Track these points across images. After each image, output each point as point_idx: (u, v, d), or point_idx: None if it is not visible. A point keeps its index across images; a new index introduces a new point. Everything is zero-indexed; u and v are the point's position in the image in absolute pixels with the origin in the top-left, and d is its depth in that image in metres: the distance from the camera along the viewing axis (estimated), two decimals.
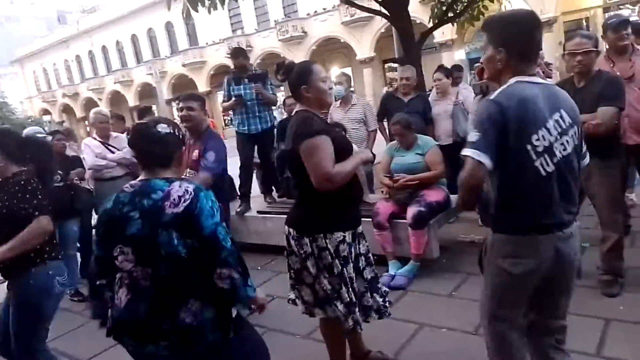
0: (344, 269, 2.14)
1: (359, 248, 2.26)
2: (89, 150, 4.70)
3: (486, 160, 1.55)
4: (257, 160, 5.86)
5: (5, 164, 2.26)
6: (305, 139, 2.03)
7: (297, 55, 22.36)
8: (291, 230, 2.21)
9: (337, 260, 2.13)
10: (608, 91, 2.78)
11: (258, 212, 4.76)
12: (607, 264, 3.02)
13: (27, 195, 2.18)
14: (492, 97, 1.64)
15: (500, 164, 1.59)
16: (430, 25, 7.25)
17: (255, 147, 5.28)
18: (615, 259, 3.01)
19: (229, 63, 8.88)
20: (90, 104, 32.65)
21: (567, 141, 1.65)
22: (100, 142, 4.77)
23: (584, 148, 1.82)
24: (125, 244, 1.61)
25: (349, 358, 2.51)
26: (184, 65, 28.97)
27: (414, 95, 4.73)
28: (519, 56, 1.66)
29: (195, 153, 3.13)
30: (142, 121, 1.76)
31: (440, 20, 7.11)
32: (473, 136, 1.58)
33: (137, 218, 1.58)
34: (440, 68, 4.80)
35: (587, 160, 1.86)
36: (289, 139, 2.13)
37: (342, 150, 2.12)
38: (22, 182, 2.21)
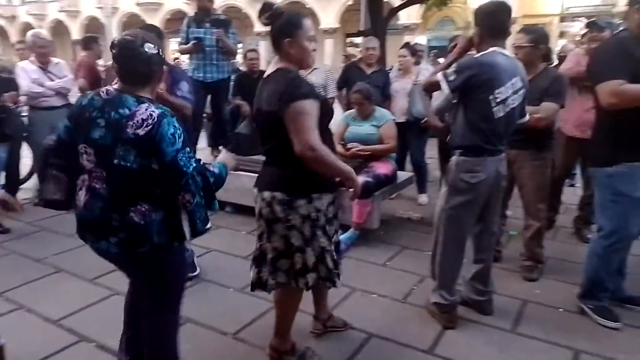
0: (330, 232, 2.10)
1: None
2: (25, 74, 4.34)
3: (445, 86, 2.35)
4: (208, 111, 5.67)
5: None
6: (294, 101, 1.85)
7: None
8: (277, 194, 1.99)
9: (327, 225, 2.07)
10: (553, 88, 2.94)
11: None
12: (528, 250, 3.24)
13: None
14: (475, 56, 2.38)
15: (465, 106, 2.39)
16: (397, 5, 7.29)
17: (209, 97, 5.11)
18: (536, 247, 3.23)
19: (188, 10, 8.44)
20: (28, 29, 29.93)
21: (515, 99, 2.39)
22: (39, 67, 4.42)
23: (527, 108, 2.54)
24: (89, 145, 1.66)
25: (312, 320, 2.54)
26: (138, 4, 27.22)
27: (376, 68, 4.74)
28: (490, 32, 2.39)
29: (162, 85, 2.98)
30: (129, 37, 1.66)
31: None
32: (450, 73, 2.34)
33: (103, 126, 1.63)
34: (407, 45, 4.82)
35: (526, 117, 2.62)
36: (272, 98, 1.90)
37: (326, 114, 2.01)
38: None
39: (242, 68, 5.87)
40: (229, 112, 5.31)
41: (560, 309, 2.77)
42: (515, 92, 2.37)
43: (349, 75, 4.76)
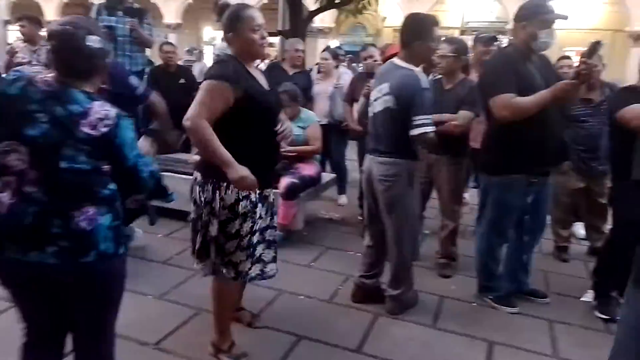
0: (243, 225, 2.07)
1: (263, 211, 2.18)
2: None
3: None
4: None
5: None
6: (205, 79, 1.95)
7: (171, 5, 20.74)
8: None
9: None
10: (469, 97, 3.13)
11: None
12: (443, 249, 3.45)
13: None
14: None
15: None
16: (313, 8, 7.41)
17: None
18: (450, 245, 3.45)
19: None
20: None
21: (378, 104, 2.59)
22: None
23: (415, 119, 2.44)
24: (22, 143, 1.41)
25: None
26: None
27: (299, 70, 4.75)
28: (401, 43, 2.58)
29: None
30: (69, 28, 1.45)
31: (328, 3, 7.25)
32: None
33: (45, 122, 1.41)
34: (328, 48, 4.91)
35: (414, 131, 2.47)
36: None
37: (264, 110, 2.03)
38: None
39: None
40: (141, 109, 4.98)
41: (474, 303, 2.98)
42: (377, 98, 2.59)
43: (272, 75, 4.69)
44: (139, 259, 3.30)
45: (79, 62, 1.47)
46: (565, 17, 2.57)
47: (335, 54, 4.91)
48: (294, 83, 4.11)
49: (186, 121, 1.89)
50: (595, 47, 2.46)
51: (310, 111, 4.03)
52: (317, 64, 5.58)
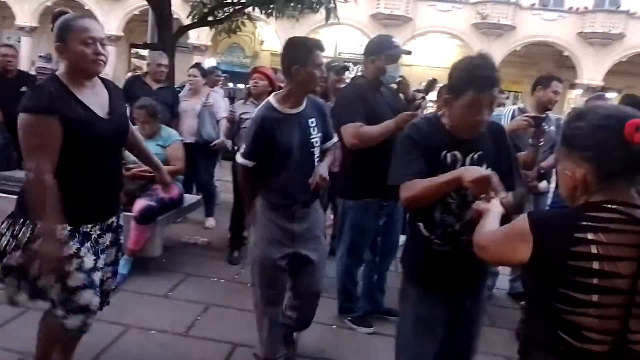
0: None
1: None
2: None
3: None
4: None
5: None
6: (21, 112, 1.70)
7: (25, 6, 18.62)
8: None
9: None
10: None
11: None
12: None
13: None
14: None
15: None
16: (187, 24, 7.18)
17: None
18: None
19: None
20: None
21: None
22: None
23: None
24: None
25: None
26: None
27: (164, 85, 4.49)
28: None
29: None
30: None
31: (200, 20, 7.05)
32: None
33: None
34: (197, 65, 4.72)
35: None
36: None
37: (89, 140, 1.78)
38: None
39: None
40: None
41: (334, 326, 3.00)
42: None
43: (134, 90, 4.37)
44: None
45: None
46: (408, 53, 2.80)
47: (204, 71, 4.75)
48: (156, 99, 3.86)
49: (29, 173, 1.70)
50: (431, 83, 2.76)
51: (171, 129, 3.79)
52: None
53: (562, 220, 1.14)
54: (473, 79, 1.60)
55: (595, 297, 1.07)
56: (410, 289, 1.87)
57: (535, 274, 1.15)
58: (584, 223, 1.08)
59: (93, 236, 1.88)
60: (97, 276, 1.88)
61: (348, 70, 4.21)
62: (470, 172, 1.53)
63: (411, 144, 1.71)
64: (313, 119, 2.22)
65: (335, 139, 2.45)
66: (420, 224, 1.78)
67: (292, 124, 2.16)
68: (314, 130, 2.22)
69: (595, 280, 1.06)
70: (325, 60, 2.47)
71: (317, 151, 2.25)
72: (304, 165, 2.19)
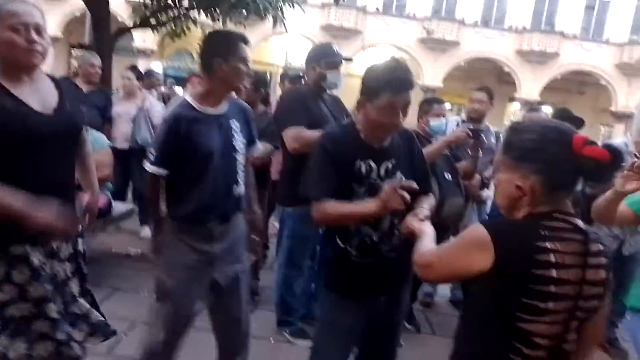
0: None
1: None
2: None
3: None
4: None
5: None
6: None
7: None
8: None
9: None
10: (269, 129, 3.05)
11: None
12: None
13: None
14: None
15: None
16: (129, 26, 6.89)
17: None
18: (252, 278, 3.33)
19: None
20: None
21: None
22: None
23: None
24: None
25: None
26: None
27: (96, 88, 4.23)
28: None
29: None
30: None
31: (141, 22, 6.78)
32: None
33: None
34: (132, 68, 4.49)
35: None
36: None
37: (18, 135, 1.53)
38: None
39: None
40: None
41: (271, 339, 2.88)
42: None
43: None
44: None
45: None
46: (350, 60, 2.79)
47: (140, 74, 4.53)
48: (85, 102, 3.61)
49: None
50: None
51: (99, 133, 3.56)
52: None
53: (522, 229, 1.14)
54: (389, 81, 1.59)
55: (551, 305, 1.09)
56: (326, 296, 1.85)
57: (495, 284, 1.12)
58: (543, 232, 1.10)
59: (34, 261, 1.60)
60: None
61: (303, 78, 4.13)
62: (384, 203, 1.52)
63: (326, 155, 1.69)
64: (236, 122, 1.98)
65: (259, 145, 2.28)
66: (336, 235, 1.76)
67: (212, 126, 1.88)
68: (237, 134, 1.97)
69: (552, 288, 1.08)
70: (280, 71, 2.40)
71: (240, 157, 1.99)
72: (224, 173, 1.92)
